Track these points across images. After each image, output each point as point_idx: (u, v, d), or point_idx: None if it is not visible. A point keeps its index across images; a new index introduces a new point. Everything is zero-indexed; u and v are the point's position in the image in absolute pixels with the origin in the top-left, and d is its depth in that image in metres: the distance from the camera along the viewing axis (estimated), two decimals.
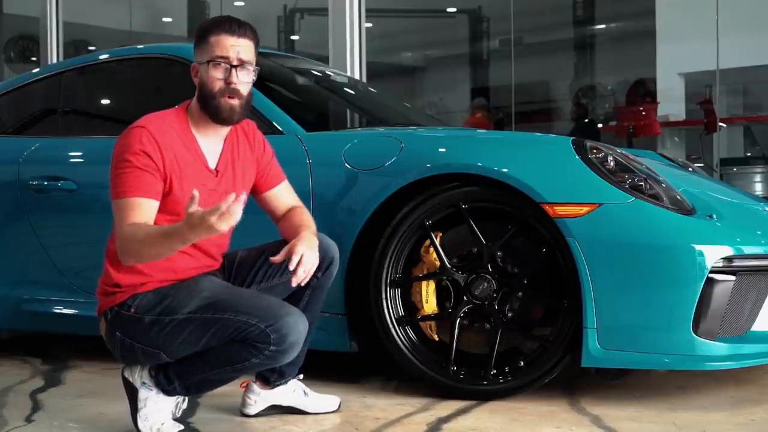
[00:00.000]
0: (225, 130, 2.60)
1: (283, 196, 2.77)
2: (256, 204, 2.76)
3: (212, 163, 2.56)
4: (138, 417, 2.53)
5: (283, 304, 2.46)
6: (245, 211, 2.63)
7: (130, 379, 2.56)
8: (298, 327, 2.42)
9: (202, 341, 2.43)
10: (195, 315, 2.42)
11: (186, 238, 2.28)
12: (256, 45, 2.60)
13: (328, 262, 2.66)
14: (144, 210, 2.41)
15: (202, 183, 2.51)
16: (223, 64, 2.51)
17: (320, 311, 2.75)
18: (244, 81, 2.54)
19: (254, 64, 2.57)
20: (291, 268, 2.48)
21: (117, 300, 2.50)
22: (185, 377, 2.52)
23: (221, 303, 2.42)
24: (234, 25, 2.54)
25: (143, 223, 2.40)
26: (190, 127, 2.55)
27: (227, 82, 2.51)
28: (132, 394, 2.55)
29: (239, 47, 2.53)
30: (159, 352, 2.48)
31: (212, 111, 2.53)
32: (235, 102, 2.53)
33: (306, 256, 2.49)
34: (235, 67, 2.52)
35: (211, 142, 2.58)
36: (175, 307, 2.45)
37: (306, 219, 2.68)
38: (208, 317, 2.41)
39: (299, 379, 2.80)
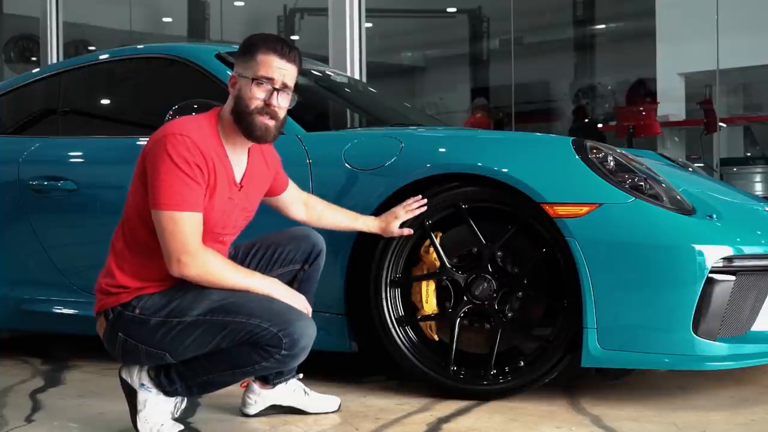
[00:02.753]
0: (250, 143, 2.59)
1: (294, 193, 2.88)
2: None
3: (238, 176, 2.56)
4: (138, 418, 2.53)
5: (292, 308, 2.46)
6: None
7: (128, 381, 2.55)
8: (308, 332, 2.43)
9: (211, 344, 2.43)
10: (205, 317, 2.41)
11: (261, 291, 2.46)
12: (299, 71, 2.60)
13: (316, 254, 2.73)
14: (200, 226, 2.43)
15: (228, 197, 2.52)
16: (266, 85, 2.50)
17: (320, 311, 2.76)
18: (283, 105, 2.54)
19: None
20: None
21: (121, 300, 2.49)
22: (189, 378, 2.51)
23: (232, 306, 2.41)
24: (285, 48, 2.52)
25: (213, 251, 2.44)
26: (220, 137, 2.52)
27: (267, 103, 2.51)
28: (130, 395, 2.55)
29: (285, 71, 2.53)
30: (164, 353, 2.47)
31: (245, 127, 2.51)
32: (271, 123, 2.53)
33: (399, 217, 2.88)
34: (278, 90, 2.51)
35: (238, 154, 2.57)
36: (183, 309, 2.43)
37: (336, 206, 2.94)
38: (218, 320, 2.41)
39: (299, 379, 2.80)
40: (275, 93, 2.51)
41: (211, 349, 2.44)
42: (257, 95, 2.50)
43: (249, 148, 2.61)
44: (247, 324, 2.39)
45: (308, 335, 2.42)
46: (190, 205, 2.39)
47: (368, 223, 2.91)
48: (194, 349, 2.45)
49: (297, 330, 2.39)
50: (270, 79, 2.50)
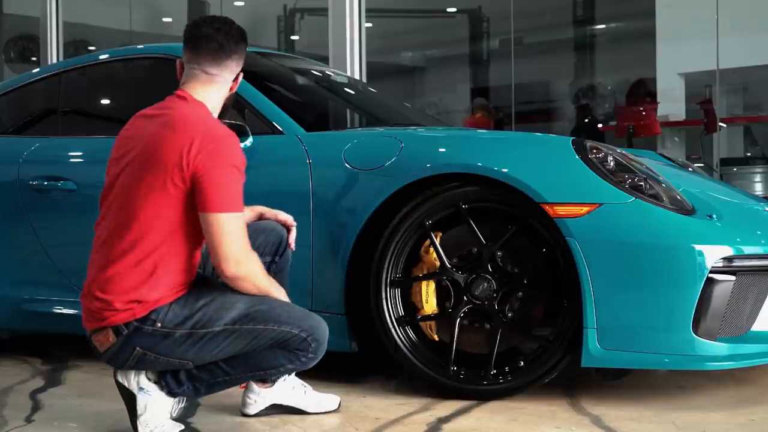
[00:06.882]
0: None
1: None
2: None
3: None
4: (138, 422, 2.51)
5: (310, 312, 2.57)
6: None
7: (126, 384, 2.52)
8: (327, 333, 2.54)
9: (239, 350, 2.48)
10: (234, 326, 2.44)
11: (276, 296, 2.52)
12: None
13: (285, 246, 2.76)
14: None
15: None
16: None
17: (320, 311, 2.75)
18: None
19: None
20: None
21: (136, 314, 2.41)
22: (202, 380, 2.53)
23: (259, 314, 2.45)
24: None
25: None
26: None
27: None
28: (129, 399, 2.52)
29: None
30: (187, 362, 2.48)
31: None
32: None
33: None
34: None
35: None
36: (210, 319, 2.44)
37: None
38: (248, 328, 2.45)
39: (297, 375, 2.80)
40: None
41: (236, 353, 2.49)
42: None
43: None
44: (279, 331, 2.46)
45: (327, 337, 2.54)
46: (243, 206, 2.47)
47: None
48: (219, 356, 2.49)
49: (322, 333, 2.52)
50: None
